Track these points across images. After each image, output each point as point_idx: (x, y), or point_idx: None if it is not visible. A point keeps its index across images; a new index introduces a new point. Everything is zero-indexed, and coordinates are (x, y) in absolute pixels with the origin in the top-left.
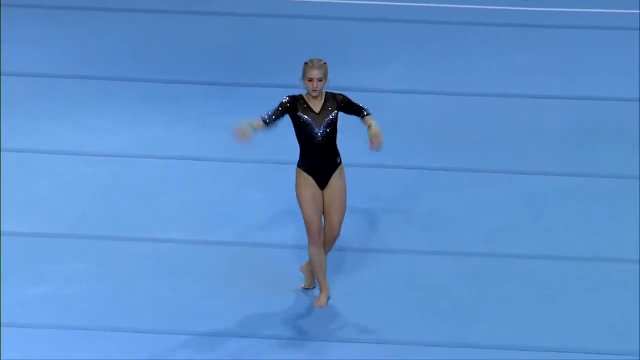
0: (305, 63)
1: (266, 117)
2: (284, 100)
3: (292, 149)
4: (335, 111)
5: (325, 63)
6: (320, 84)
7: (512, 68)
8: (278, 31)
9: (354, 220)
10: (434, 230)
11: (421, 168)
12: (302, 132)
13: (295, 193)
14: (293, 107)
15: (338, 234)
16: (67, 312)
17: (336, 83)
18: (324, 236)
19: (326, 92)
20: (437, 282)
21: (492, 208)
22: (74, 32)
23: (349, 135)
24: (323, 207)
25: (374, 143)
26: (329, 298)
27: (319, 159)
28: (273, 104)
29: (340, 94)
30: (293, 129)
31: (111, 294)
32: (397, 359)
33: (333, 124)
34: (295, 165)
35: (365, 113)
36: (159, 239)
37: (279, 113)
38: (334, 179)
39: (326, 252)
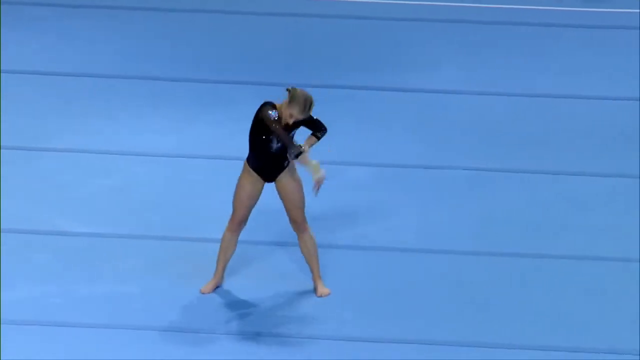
0: (294, 98)
1: (318, 131)
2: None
3: (351, 148)
4: (296, 130)
5: (310, 101)
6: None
7: (567, 69)
8: (330, 32)
9: (405, 220)
10: (480, 230)
11: (474, 169)
12: (261, 139)
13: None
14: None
15: (304, 230)
16: (122, 310)
17: (389, 84)
18: (242, 227)
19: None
20: (482, 282)
21: (539, 209)
22: (124, 31)
23: (408, 136)
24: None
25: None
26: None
27: (268, 163)
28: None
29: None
30: (250, 125)
31: (165, 293)
32: (439, 358)
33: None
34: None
35: (315, 134)
36: (212, 239)
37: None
38: (284, 176)
39: (310, 254)
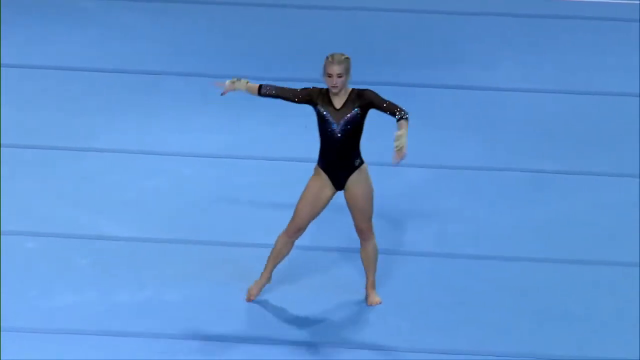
0: (326, 57)
1: (267, 89)
2: (308, 88)
3: (410, 149)
4: (357, 109)
5: (347, 58)
6: (340, 80)
7: (628, 65)
8: (384, 26)
9: (465, 224)
10: (544, 235)
11: (535, 171)
12: (321, 127)
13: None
14: (313, 98)
15: (369, 239)
16: (165, 318)
17: (445, 81)
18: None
19: (352, 89)
20: (546, 289)
21: (607, 212)
22: (171, 26)
23: (466, 135)
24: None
25: (397, 157)
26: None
27: (336, 157)
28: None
29: (368, 90)
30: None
31: (212, 299)
32: None
33: (354, 122)
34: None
35: (399, 116)
36: (259, 244)
37: (290, 95)
38: (353, 181)
39: (369, 261)
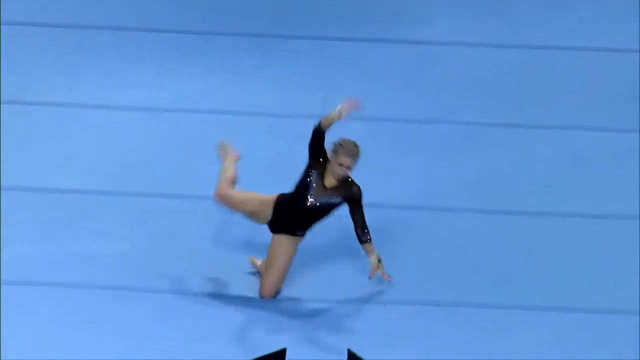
0: (340, 145)
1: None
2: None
3: (337, 102)
4: (340, 199)
5: (358, 149)
6: (349, 171)
7: (569, 20)
8: None
9: (402, 176)
10: (481, 187)
11: (470, 123)
12: (301, 184)
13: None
14: (315, 164)
15: (268, 295)
16: (100, 270)
17: (382, 36)
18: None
19: (348, 177)
20: (483, 240)
21: (541, 165)
22: None
23: (403, 89)
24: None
25: (374, 274)
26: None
27: (291, 216)
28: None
29: (358, 188)
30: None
31: (145, 252)
32: (441, 320)
33: (326, 209)
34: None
35: (366, 238)
36: (196, 195)
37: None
38: (284, 240)
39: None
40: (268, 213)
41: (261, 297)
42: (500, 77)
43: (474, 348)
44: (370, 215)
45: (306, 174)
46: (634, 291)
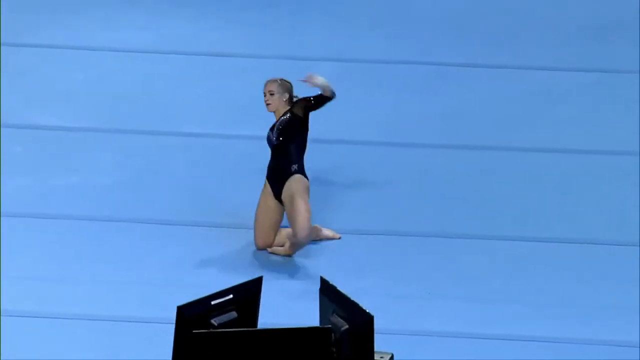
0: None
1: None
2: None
3: (318, 44)
4: (288, 115)
5: (281, 79)
6: (272, 98)
7: None
8: None
9: (370, 114)
10: (448, 124)
11: (436, 63)
12: (267, 137)
13: None
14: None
15: (302, 241)
16: (94, 202)
17: None
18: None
19: (292, 104)
20: (447, 174)
21: (508, 103)
22: None
23: (370, 31)
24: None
25: (310, 79)
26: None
27: (274, 164)
28: None
29: (299, 99)
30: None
31: (137, 184)
32: (406, 248)
33: (284, 128)
34: None
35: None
36: (184, 132)
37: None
38: (287, 188)
39: (292, 249)
40: (268, 192)
41: (300, 241)
42: (470, 18)
43: (440, 276)
44: (340, 152)
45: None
46: (592, 221)
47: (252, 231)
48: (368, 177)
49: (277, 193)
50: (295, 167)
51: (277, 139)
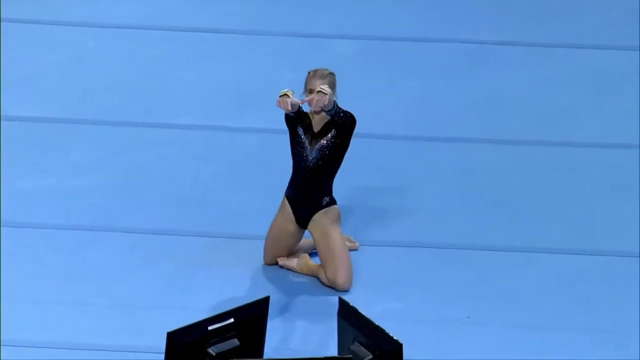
0: (309, 72)
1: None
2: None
3: (328, 21)
4: (332, 135)
5: (331, 73)
6: (321, 98)
7: None
8: None
9: (396, 101)
10: (484, 114)
11: (471, 41)
12: (295, 151)
13: None
14: (295, 119)
15: (341, 289)
16: (69, 208)
17: None
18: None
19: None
20: (486, 174)
21: (550, 88)
22: None
23: (397, 6)
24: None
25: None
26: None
27: (302, 188)
28: None
29: (350, 115)
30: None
31: (120, 186)
32: (440, 263)
33: (327, 150)
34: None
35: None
36: (174, 124)
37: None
38: (318, 221)
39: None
40: (288, 218)
41: (340, 288)
42: None
43: (483, 296)
44: (359, 147)
45: (293, 136)
46: None
47: (256, 242)
48: (392, 178)
49: (301, 220)
50: (327, 199)
51: (317, 162)
